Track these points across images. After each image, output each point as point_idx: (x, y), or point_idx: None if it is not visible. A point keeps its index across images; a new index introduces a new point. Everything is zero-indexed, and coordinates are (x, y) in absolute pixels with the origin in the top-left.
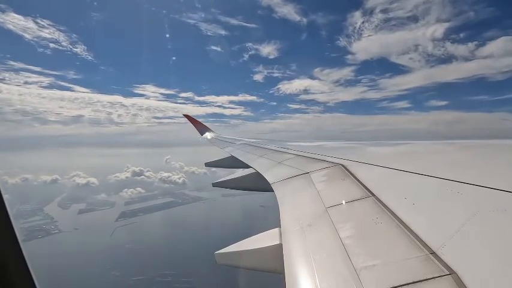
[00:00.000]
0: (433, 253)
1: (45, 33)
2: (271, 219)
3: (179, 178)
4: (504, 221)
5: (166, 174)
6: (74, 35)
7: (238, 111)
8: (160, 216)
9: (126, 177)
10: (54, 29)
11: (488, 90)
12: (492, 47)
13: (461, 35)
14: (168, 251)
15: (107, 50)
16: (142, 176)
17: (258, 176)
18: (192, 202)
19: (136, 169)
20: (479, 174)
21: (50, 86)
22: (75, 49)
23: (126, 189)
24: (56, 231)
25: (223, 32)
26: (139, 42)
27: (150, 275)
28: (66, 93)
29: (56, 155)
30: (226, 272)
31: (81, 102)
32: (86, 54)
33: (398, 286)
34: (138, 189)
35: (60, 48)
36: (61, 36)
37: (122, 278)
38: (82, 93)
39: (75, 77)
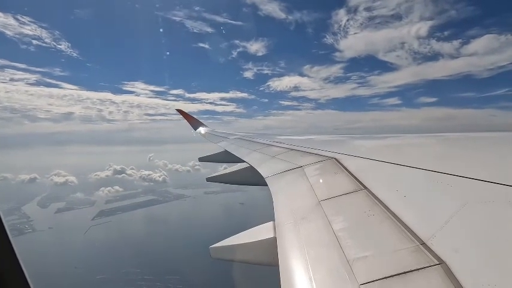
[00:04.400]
0: (423, 244)
1: (27, 30)
2: (249, 216)
3: (160, 176)
4: (492, 212)
5: (146, 173)
6: (57, 31)
7: (230, 108)
8: (138, 214)
9: (107, 176)
10: (35, 25)
11: (476, 87)
12: (476, 45)
13: (446, 33)
14: (139, 249)
15: (91, 47)
16: (124, 175)
17: (252, 170)
18: (173, 200)
19: (118, 167)
20: (468, 166)
21: (37, 83)
22: (59, 46)
23: (103, 188)
24: (30, 230)
25: (209, 29)
26: (124, 40)
27: (114, 273)
28: (54, 90)
29: (44, 153)
30: (191, 269)
31: (70, 99)
32: (70, 51)
33: (390, 276)
34: (116, 187)
35: (44, 45)
36: (43, 33)
37: (87, 277)
38: (70, 90)
39: (61, 74)
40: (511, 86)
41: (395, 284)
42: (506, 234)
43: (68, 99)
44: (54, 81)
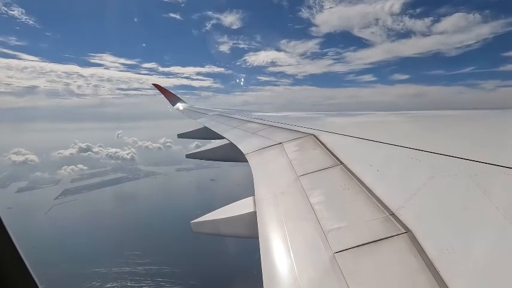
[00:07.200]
0: (392, 214)
1: None
2: (220, 192)
3: (128, 154)
4: (455, 184)
5: (113, 150)
6: None
7: (207, 83)
8: (106, 192)
9: (71, 154)
10: None
11: (445, 65)
12: (446, 23)
13: (418, 10)
14: (103, 226)
15: (49, 15)
16: (89, 152)
17: (232, 147)
18: (143, 177)
19: (83, 145)
20: (435, 142)
21: None
22: (11, 12)
23: (65, 167)
24: None
25: None
26: (87, 7)
27: (74, 250)
28: (13, 62)
29: (4, 130)
30: (155, 245)
31: (32, 71)
32: (25, 18)
33: (361, 245)
34: (80, 166)
35: None
36: None
37: (44, 256)
38: (31, 61)
39: (18, 43)
40: (477, 65)
41: (367, 251)
42: (466, 204)
43: (30, 72)
44: (11, 52)
